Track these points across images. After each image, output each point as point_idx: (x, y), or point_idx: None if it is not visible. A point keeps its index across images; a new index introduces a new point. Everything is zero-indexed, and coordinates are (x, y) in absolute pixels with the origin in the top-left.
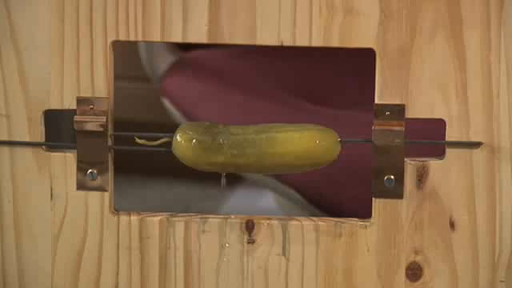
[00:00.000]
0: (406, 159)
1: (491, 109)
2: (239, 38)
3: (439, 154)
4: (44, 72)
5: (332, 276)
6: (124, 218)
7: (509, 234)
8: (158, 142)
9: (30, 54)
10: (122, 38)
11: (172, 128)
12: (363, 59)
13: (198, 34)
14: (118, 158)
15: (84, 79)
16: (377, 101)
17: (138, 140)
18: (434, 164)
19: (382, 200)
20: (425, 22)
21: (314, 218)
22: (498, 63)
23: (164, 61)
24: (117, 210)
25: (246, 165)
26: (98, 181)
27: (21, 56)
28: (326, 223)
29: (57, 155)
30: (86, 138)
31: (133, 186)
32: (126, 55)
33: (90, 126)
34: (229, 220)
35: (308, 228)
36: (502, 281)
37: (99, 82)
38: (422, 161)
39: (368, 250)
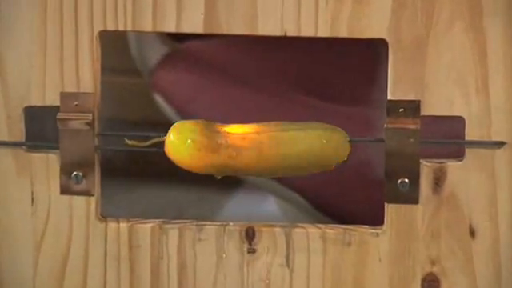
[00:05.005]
0: (421, 160)
1: None
2: (238, 28)
3: (458, 154)
4: (24, 65)
5: None
6: (112, 224)
7: None
8: (150, 142)
9: (9, 46)
10: (110, 27)
11: (165, 127)
12: (375, 51)
13: (194, 24)
14: (105, 160)
15: (68, 73)
16: (389, 97)
17: (127, 141)
18: (452, 166)
19: (395, 205)
20: (442, 10)
21: (320, 225)
22: None
23: (156, 52)
24: (104, 216)
25: (246, 167)
26: (84, 184)
27: None
28: (333, 231)
29: (38, 156)
30: (70, 138)
31: (121, 190)
32: (114, 46)
33: (74, 125)
34: (227, 227)
35: (314, 236)
36: None
37: (85, 76)
38: (439, 162)
39: (380, 260)
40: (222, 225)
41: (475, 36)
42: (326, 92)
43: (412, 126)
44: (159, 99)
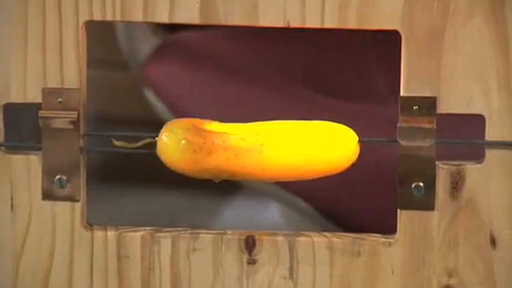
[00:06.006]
0: (437, 163)
1: None
2: (238, 19)
3: (477, 156)
4: (3, 58)
5: None
6: (99, 233)
7: None
8: (140, 143)
9: None
10: (97, 17)
11: (156, 126)
12: (387, 43)
13: (189, 14)
14: (91, 162)
15: (51, 67)
16: (403, 93)
17: (115, 142)
18: (471, 168)
19: (408, 212)
20: None
21: (326, 234)
22: None
23: (146, 44)
24: (90, 223)
25: (245, 170)
26: (68, 189)
27: None
28: (341, 240)
29: (18, 158)
30: (53, 138)
31: (109, 196)
32: (101, 38)
33: (57, 123)
34: (224, 236)
35: (320, 245)
36: None
37: (69, 71)
38: (457, 164)
39: (392, 273)
40: (219, 233)
41: (496, 27)
42: (333, 87)
43: (427, 125)
44: (150, 95)
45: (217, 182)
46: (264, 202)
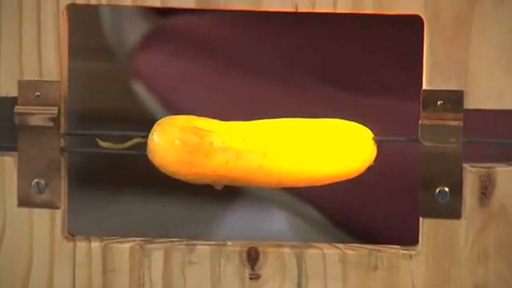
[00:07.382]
0: (464, 165)
1: None
2: (239, 2)
3: (509, 157)
4: None
5: None
6: (82, 244)
7: None
8: (128, 143)
9: None
10: (80, 1)
11: (147, 123)
12: (407, 30)
13: None
14: (73, 165)
15: (28, 57)
16: (425, 86)
17: (100, 142)
18: (502, 171)
19: (432, 220)
20: None
21: (339, 245)
22: None
23: (135, 31)
24: (72, 233)
25: (247, 175)
26: (47, 194)
27: None
28: (355, 252)
29: None
30: (30, 137)
31: (94, 203)
32: (84, 24)
33: (35, 120)
34: (224, 248)
35: (332, 258)
36: None
37: (48, 61)
38: (487, 167)
39: None
40: (217, 245)
41: None
42: (346, 80)
43: (453, 123)
44: (140, 89)
45: (218, 189)
46: (269, 210)
